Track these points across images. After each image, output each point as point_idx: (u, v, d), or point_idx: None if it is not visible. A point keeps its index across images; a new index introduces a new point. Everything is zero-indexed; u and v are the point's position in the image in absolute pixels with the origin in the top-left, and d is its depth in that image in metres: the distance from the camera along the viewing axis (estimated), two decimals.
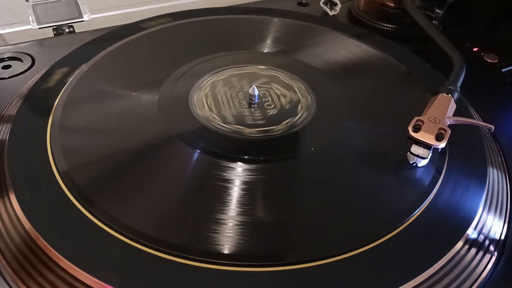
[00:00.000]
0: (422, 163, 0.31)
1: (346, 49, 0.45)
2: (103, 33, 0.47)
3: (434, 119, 0.32)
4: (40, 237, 0.26)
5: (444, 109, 0.33)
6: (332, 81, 0.40)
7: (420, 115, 0.32)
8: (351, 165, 0.32)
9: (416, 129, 0.31)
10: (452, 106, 0.34)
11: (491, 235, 0.30)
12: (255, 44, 0.46)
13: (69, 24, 0.50)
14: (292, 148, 0.34)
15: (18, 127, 0.34)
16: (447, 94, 0.35)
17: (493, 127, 0.32)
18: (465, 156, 0.33)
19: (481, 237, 0.29)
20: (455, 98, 0.35)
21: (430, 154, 0.31)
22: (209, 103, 0.37)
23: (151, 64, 0.42)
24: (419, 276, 0.25)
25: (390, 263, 0.26)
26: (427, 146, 0.30)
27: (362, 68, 0.43)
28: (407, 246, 0.27)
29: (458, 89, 0.36)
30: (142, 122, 0.35)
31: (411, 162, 0.31)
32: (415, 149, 0.31)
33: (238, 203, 0.28)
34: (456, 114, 0.34)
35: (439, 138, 0.30)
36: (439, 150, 0.31)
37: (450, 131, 0.31)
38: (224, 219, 0.27)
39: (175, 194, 0.29)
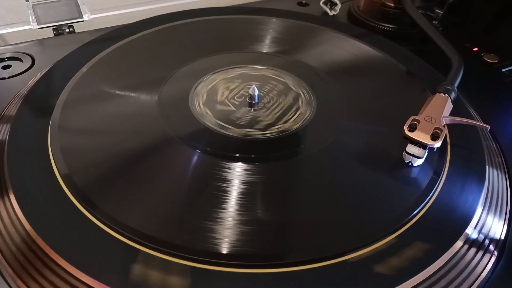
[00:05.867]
0: (418, 162, 0.31)
1: (346, 49, 0.45)
2: (103, 33, 0.47)
3: (430, 119, 0.32)
4: (40, 237, 0.26)
5: (441, 108, 0.33)
6: (332, 81, 0.40)
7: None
8: (351, 166, 0.32)
9: (412, 128, 0.31)
10: (449, 106, 0.34)
11: (491, 234, 0.30)
12: (255, 44, 0.46)
13: (69, 24, 0.50)
14: (292, 148, 0.34)
15: (18, 127, 0.34)
16: (444, 93, 0.35)
17: (488, 127, 0.32)
18: (464, 156, 0.33)
19: (481, 236, 0.29)
20: (452, 98, 0.35)
21: (426, 153, 0.31)
22: (209, 103, 0.37)
23: (151, 64, 0.42)
24: (418, 275, 0.25)
25: (390, 262, 0.26)
26: (422, 145, 0.30)
27: (362, 68, 0.43)
28: (407, 245, 0.27)
29: (456, 89, 0.37)
30: (142, 122, 0.35)
31: (406, 162, 0.32)
32: (410, 148, 0.31)
33: (237, 203, 0.28)
34: (455, 114, 0.34)
35: (434, 137, 0.30)
36: (435, 150, 0.31)
37: (446, 131, 0.31)
38: (223, 219, 0.27)
39: (174, 194, 0.29)
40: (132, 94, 0.37)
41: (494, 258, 0.29)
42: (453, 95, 0.35)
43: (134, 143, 0.33)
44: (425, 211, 0.29)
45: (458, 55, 0.42)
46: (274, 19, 0.49)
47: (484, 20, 0.58)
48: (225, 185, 0.30)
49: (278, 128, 0.35)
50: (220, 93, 0.38)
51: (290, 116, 0.36)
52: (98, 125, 0.34)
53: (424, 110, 0.33)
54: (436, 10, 0.54)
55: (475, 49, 0.51)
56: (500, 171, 0.35)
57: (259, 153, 0.33)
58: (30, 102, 0.36)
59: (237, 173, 0.30)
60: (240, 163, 0.31)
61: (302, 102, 0.38)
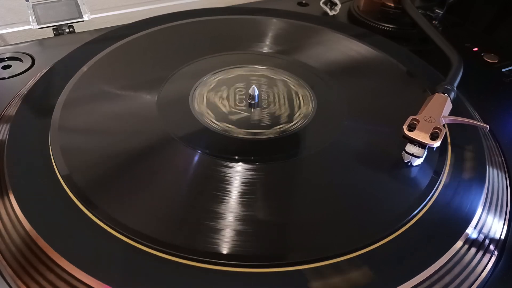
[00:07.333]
0: (417, 162, 0.31)
1: (346, 49, 0.45)
2: (103, 33, 0.47)
3: (430, 118, 0.32)
4: (40, 237, 0.26)
5: (440, 108, 0.33)
6: (332, 81, 0.40)
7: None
8: (351, 166, 0.32)
9: (411, 128, 0.31)
10: (448, 106, 0.34)
11: (491, 234, 0.30)
12: (255, 44, 0.46)
13: (69, 24, 0.50)
14: (292, 149, 0.34)
15: (18, 127, 0.34)
16: (444, 93, 0.35)
17: (488, 127, 0.32)
18: (464, 156, 0.33)
19: (481, 236, 0.29)
20: (451, 98, 0.35)
21: (425, 153, 0.31)
22: (208, 103, 0.37)
23: (150, 64, 0.42)
24: (419, 275, 0.25)
25: (390, 262, 0.26)
26: (421, 145, 0.30)
27: (362, 68, 0.43)
28: (407, 245, 0.27)
29: (455, 88, 0.36)
30: (142, 122, 0.35)
31: (406, 161, 0.32)
32: (409, 148, 0.31)
33: (237, 203, 0.28)
34: (455, 113, 0.34)
35: (434, 137, 0.30)
36: (434, 149, 0.31)
37: (445, 131, 0.31)
38: (223, 219, 0.27)
39: (174, 194, 0.29)
40: (132, 94, 0.37)
41: (494, 258, 0.29)
42: (452, 94, 0.35)
43: (134, 143, 0.33)
44: (425, 211, 0.29)
45: (458, 54, 0.42)
46: (274, 19, 0.49)
47: (484, 20, 0.58)
48: (225, 185, 0.29)
49: (278, 128, 0.35)
50: (220, 94, 0.38)
51: (290, 116, 0.36)
52: (98, 125, 0.34)
53: (423, 110, 0.33)
54: (436, 10, 0.54)
55: (475, 49, 0.51)
56: (500, 171, 0.35)
57: (259, 153, 0.32)
58: (30, 102, 0.36)
59: (237, 173, 0.30)
60: (240, 163, 0.31)
61: (302, 102, 0.38)
